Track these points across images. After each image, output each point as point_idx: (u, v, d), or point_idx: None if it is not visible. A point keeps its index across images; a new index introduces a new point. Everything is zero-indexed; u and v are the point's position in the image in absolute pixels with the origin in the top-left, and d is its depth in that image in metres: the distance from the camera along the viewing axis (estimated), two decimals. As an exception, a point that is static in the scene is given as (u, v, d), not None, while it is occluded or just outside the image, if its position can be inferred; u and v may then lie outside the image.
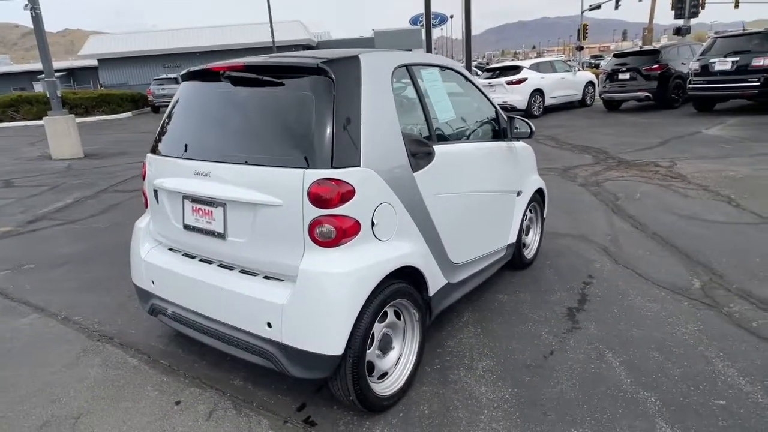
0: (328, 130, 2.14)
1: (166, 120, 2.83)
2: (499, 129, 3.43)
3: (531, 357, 2.83)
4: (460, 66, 3.29)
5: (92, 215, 6.31)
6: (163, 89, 23.76)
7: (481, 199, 3.18)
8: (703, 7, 29.34)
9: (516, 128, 3.41)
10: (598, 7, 32.51)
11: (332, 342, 2.11)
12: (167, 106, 2.80)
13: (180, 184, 2.53)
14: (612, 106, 14.50)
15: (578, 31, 34.46)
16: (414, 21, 39.92)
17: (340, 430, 2.33)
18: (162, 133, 2.81)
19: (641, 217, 5.17)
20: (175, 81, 23.69)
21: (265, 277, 2.35)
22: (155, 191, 2.73)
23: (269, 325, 2.21)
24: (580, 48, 35.26)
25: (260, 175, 2.23)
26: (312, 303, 2.13)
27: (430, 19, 14.77)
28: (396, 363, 2.51)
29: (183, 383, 2.73)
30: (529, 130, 3.41)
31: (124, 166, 9.91)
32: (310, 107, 2.20)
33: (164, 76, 25.17)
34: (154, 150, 2.79)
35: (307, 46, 45.73)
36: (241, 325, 2.33)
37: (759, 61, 10.35)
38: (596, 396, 2.47)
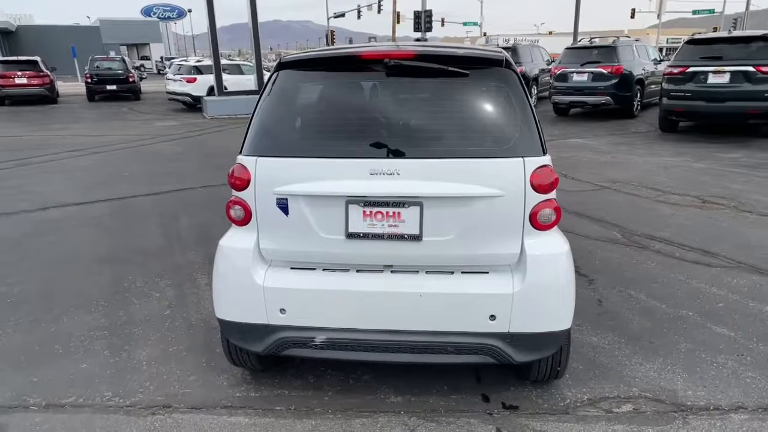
0: (532, 119, 2.28)
1: (271, 115, 2.39)
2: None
3: (590, 308, 3.44)
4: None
5: None
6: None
7: None
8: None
9: None
10: (342, 15, 35.73)
11: (566, 317, 2.29)
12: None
13: (345, 187, 2.23)
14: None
15: (326, 36, 37.37)
16: (147, 11, 36.24)
17: (540, 403, 2.50)
18: (271, 129, 2.37)
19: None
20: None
21: (463, 273, 2.32)
22: (282, 200, 2.30)
23: (492, 317, 2.23)
24: (328, 52, 38.08)
25: (472, 167, 2.20)
26: (547, 284, 2.26)
27: (214, 18, 13.99)
28: None
29: (340, 419, 2.40)
30: None
31: None
32: (507, 98, 2.28)
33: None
34: (263, 151, 2.32)
35: (6, 32, 36.60)
36: (450, 327, 2.26)
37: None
38: (661, 321, 3.25)
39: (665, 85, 9.45)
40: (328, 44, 37.30)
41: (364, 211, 2.25)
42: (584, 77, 11.34)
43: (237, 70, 18.21)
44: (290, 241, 2.35)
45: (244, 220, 2.38)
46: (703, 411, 2.41)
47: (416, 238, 2.25)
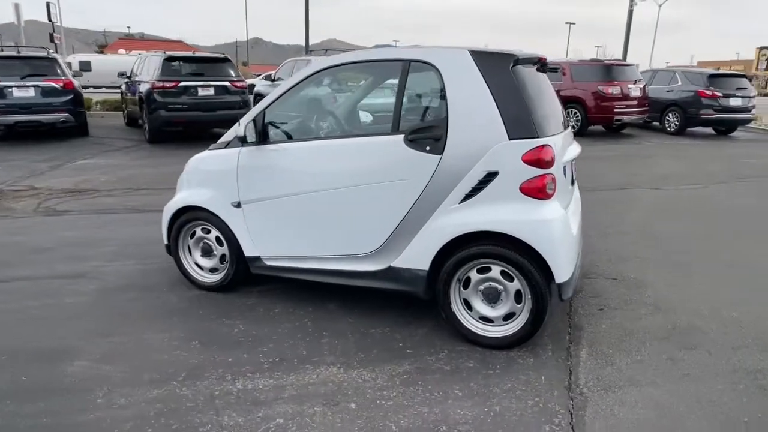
0: None
1: (530, 102, 3.02)
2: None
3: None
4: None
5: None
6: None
7: None
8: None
9: None
10: None
11: None
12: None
13: (569, 153, 3.36)
14: None
15: None
16: None
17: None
18: (536, 114, 3.02)
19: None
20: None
21: None
22: (565, 167, 3.29)
23: None
24: None
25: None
26: None
27: None
28: None
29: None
30: None
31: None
32: None
33: None
34: (545, 132, 3.01)
35: None
36: None
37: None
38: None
39: (160, 98, 10.62)
40: None
41: (565, 167, 3.33)
42: (30, 92, 10.63)
43: None
44: (566, 197, 3.34)
45: (554, 191, 3.00)
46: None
47: (573, 180, 3.77)
